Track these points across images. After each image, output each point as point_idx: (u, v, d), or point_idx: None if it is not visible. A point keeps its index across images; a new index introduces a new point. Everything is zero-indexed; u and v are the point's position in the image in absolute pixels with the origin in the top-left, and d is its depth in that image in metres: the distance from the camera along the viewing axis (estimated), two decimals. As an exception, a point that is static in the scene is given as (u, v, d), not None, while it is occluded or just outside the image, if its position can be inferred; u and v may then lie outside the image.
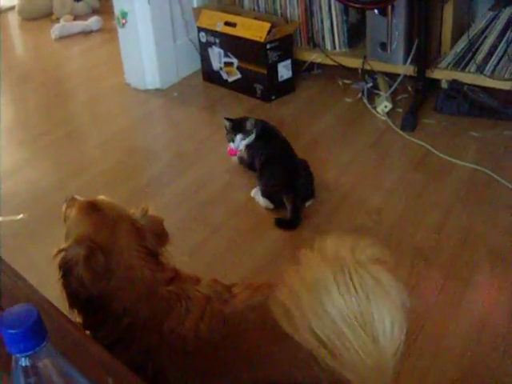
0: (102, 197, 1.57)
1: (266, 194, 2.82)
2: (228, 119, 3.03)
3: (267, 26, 3.58)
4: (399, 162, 3.20)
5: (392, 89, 3.51)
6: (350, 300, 1.12)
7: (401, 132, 3.28)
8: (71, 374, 0.79)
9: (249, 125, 2.97)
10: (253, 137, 2.97)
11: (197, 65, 4.06)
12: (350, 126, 3.42)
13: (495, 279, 2.40)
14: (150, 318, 1.41)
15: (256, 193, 2.86)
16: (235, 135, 2.97)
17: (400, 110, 3.48)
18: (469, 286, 2.36)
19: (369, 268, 1.15)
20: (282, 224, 2.68)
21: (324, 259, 1.17)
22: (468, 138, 3.30)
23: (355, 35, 3.84)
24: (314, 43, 3.90)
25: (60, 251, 1.43)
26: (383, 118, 3.42)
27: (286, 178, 2.78)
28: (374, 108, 3.49)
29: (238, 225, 2.70)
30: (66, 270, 1.41)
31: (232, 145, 3.01)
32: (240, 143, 2.98)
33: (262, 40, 3.56)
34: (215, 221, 2.76)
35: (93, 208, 1.50)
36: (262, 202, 2.82)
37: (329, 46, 3.88)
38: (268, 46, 3.58)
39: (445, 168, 3.04)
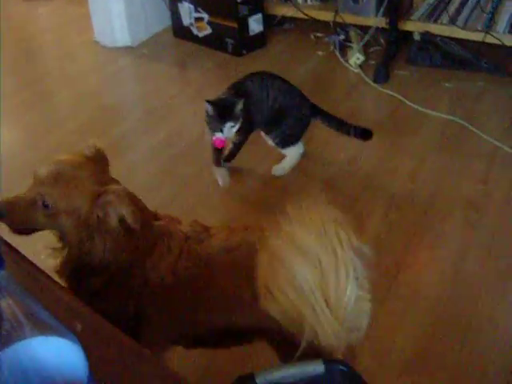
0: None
1: (295, 136, 2.65)
2: (210, 103, 2.47)
3: (238, -21, 3.51)
4: (372, 113, 3.19)
5: (364, 41, 3.48)
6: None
7: (373, 84, 3.27)
8: (31, 306, 0.77)
9: (238, 109, 2.49)
10: (240, 120, 2.51)
11: (167, 21, 4.00)
12: (322, 79, 3.39)
13: (468, 227, 2.41)
14: (136, 253, 1.41)
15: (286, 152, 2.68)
16: (223, 124, 2.48)
17: (372, 62, 3.46)
18: (443, 234, 2.37)
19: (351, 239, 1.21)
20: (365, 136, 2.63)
21: (312, 226, 1.20)
22: (441, 88, 3.30)
23: (327, -13, 3.79)
24: (285, -4, 3.83)
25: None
26: (356, 70, 3.40)
27: (306, 103, 2.66)
28: (347, 61, 3.48)
29: (210, 178, 2.67)
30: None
31: (220, 135, 2.52)
32: (230, 131, 2.53)
33: (233, -7, 3.50)
34: (186, 174, 2.73)
35: None
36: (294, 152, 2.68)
37: (300, -1, 3.81)
38: (238, 0, 3.51)
39: (418, 118, 3.04)
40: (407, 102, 3.12)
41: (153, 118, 3.18)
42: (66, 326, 0.80)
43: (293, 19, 3.87)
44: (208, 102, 2.46)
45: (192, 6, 3.71)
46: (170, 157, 2.83)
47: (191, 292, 1.43)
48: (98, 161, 1.44)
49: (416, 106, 3.09)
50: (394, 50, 3.52)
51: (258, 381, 1.31)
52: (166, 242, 1.43)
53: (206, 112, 2.48)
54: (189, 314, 1.45)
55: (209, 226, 1.53)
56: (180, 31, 3.88)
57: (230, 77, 3.33)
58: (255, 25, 3.64)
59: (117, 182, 1.43)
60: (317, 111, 2.59)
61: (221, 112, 2.46)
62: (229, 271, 1.42)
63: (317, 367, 1.33)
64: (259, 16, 3.64)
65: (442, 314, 2.06)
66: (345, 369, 1.34)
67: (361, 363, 1.81)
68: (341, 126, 2.58)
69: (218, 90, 3.16)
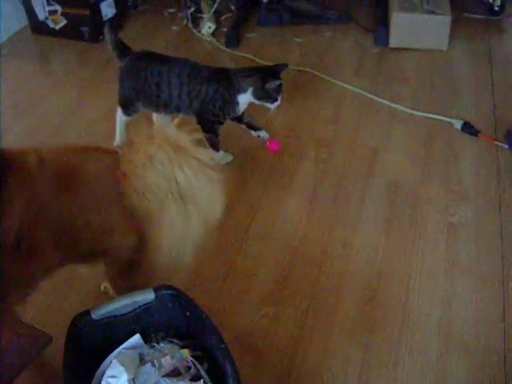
0: None
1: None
2: (271, 78, 2.41)
3: (81, -34, 3.55)
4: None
5: (213, 10, 3.58)
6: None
7: (225, 48, 3.39)
8: None
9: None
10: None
11: (25, 19, 3.99)
12: (178, 50, 3.47)
13: (321, 163, 2.55)
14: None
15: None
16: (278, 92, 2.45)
17: (225, 30, 3.56)
18: (297, 172, 2.54)
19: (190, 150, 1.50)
20: None
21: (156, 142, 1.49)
22: (291, 44, 3.44)
23: (173, -36, 3.87)
24: (135, -21, 3.90)
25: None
26: (208, 38, 3.51)
27: None
28: (199, 31, 3.56)
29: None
30: None
31: (276, 104, 2.47)
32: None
33: (79, -19, 3.54)
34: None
35: None
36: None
37: (150, -21, 3.89)
38: (86, -13, 3.56)
39: (270, 74, 3.14)
40: (258, 61, 3.24)
41: (15, 112, 3.20)
42: None
43: (146, 0, 3.92)
44: (270, 76, 2.41)
45: (44, 0, 3.73)
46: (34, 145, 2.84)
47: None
48: None
49: (267, 63, 3.21)
50: (243, 15, 3.64)
51: (93, 316, 1.40)
52: None
53: (270, 86, 2.41)
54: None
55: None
56: (37, 27, 3.89)
57: (89, 62, 3.41)
58: (108, 9, 3.69)
59: None
60: None
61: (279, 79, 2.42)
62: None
63: (147, 295, 1.43)
64: (110, 0, 3.68)
65: (298, 246, 2.21)
66: (173, 292, 1.44)
67: (224, 305, 1.96)
68: None
69: (80, 76, 3.24)
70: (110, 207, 1.49)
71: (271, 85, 2.37)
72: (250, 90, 2.39)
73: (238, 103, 2.43)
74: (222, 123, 2.48)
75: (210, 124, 2.45)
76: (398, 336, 1.87)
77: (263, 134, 2.63)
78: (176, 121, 1.57)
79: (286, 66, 2.46)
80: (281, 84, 2.41)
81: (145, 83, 2.44)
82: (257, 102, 2.44)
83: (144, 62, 2.47)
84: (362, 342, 1.86)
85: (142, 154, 1.49)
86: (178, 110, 2.47)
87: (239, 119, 2.55)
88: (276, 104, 2.44)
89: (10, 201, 1.40)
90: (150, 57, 2.51)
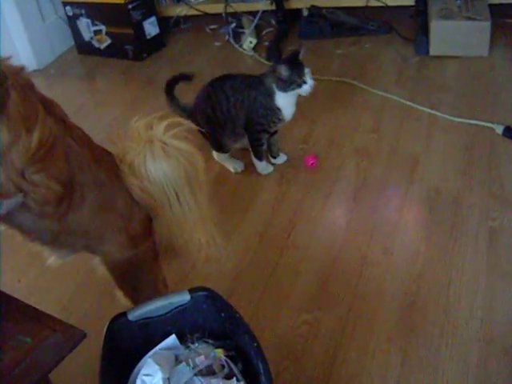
0: None
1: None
2: (281, 62, 2.44)
3: (125, -13, 3.65)
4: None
5: (253, 25, 3.64)
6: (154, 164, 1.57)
7: (267, 62, 3.42)
8: None
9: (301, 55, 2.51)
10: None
11: (70, 40, 4.11)
12: (221, 65, 3.53)
13: (361, 173, 2.55)
14: None
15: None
16: (304, 72, 2.45)
17: (266, 44, 3.60)
18: (337, 182, 2.54)
19: (167, 140, 1.58)
20: None
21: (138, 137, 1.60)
22: (332, 55, 3.47)
23: (214, -18, 3.94)
24: (177, -3, 3.98)
25: None
26: (250, 53, 3.56)
27: None
28: (241, 46, 3.61)
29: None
30: None
31: (306, 87, 2.45)
32: (311, 77, 2.48)
33: (123, 1, 3.63)
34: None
35: None
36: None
37: (192, -3, 3.96)
38: (130, 6, 3.65)
39: (311, 85, 3.17)
40: (299, 73, 3.25)
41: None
42: None
43: (188, 18, 4.00)
44: (278, 63, 2.45)
45: (89, 21, 3.83)
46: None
47: None
48: None
49: (308, 75, 3.24)
50: (284, 29, 3.68)
51: (130, 317, 1.43)
52: None
53: (280, 74, 2.42)
54: None
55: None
56: (83, 47, 4.00)
57: (133, 80, 3.49)
58: (151, 28, 3.77)
59: None
60: None
61: (294, 65, 2.44)
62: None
63: (183, 297, 1.45)
64: (153, 19, 3.77)
65: (338, 254, 2.21)
66: (208, 293, 1.47)
67: (264, 312, 1.98)
68: None
69: (124, 94, 3.31)
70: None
71: (280, 68, 2.38)
72: (274, 86, 2.41)
73: (277, 107, 2.45)
74: (269, 132, 2.50)
75: (256, 133, 2.48)
76: (437, 341, 1.85)
77: (279, 159, 2.66)
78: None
79: (297, 51, 2.48)
80: (300, 66, 2.42)
81: (205, 111, 2.54)
82: (289, 94, 2.44)
83: (201, 98, 2.58)
84: (402, 346, 1.85)
85: (130, 155, 1.60)
86: (233, 126, 2.52)
87: (271, 134, 2.57)
88: (306, 87, 2.43)
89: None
90: (207, 90, 2.58)
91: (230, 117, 2.50)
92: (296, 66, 2.41)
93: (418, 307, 1.96)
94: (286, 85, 2.40)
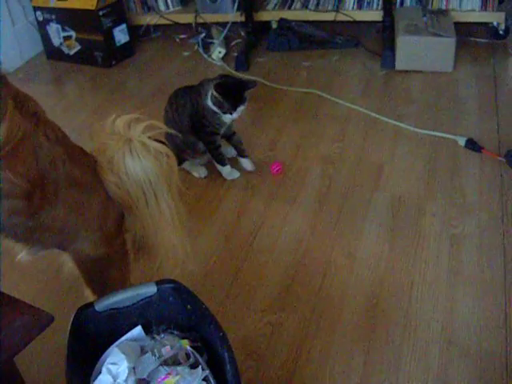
0: None
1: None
2: (218, 86, 2.42)
3: (96, -7, 3.66)
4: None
5: (222, 35, 3.68)
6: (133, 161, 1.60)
7: (235, 72, 3.45)
8: None
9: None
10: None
11: (40, 45, 4.10)
12: (189, 74, 3.56)
13: (326, 178, 2.59)
14: None
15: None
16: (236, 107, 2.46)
17: (235, 54, 3.64)
18: (302, 188, 2.58)
19: (145, 140, 1.62)
20: None
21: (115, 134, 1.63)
22: (299, 67, 3.51)
23: (186, -8, 3.98)
24: (147, 6, 4.00)
25: None
26: (219, 63, 3.60)
27: None
28: (210, 56, 3.65)
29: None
30: None
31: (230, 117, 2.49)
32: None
33: (94, 7, 3.64)
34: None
35: None
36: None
37: (162, 6, 4.00)
38: (100, 13, 3.66)
39: (278, 96, 3.23)
40: (267, 83, 3.32)
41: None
42: None
43: (158, 27, 4.03)
44: (218, 85, 2.42)
45: (59, 26, 3.83)
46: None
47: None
48: None
49: (276, 85, 3.29)
50: (253, 40, 3.72)
51: (97, 308, 1.44)
52: None
53: (214, 93, 2.43)
54: None
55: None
56: (52, 53, 3.99)
57: (101, 87, 3.49)
58: (121, 35, 3.78)
59: None
60: None
61: (231, 96, 2.44)
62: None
63: (149, 288, 1.46)
64: (123, 26, 3.78)
65: (302, 257, 2.24)
66: (175, 285, 1.48)
67: (229, 312, 2.00)
68: None
69: (92, 100, 3.32)
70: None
71: (217, 91, 2.40)
72: (209, 93, 2.43)
73: (213, 110, 2.46)
74: (218, 134, 2.53)
75: (206, 136, 2.51)
76: (399, 342, 1.88)
77: (246, 163, 2.67)
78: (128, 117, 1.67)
79: (254, 84, 2.47)
80: (237, 99, 2.42)
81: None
82: (215, 108, 2.44)
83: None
84: (364, 347, 1.87)
85: (108, 151, 1.63)
86: (183, 135, 2.53)
87: (229, 137, 2.60)
88: (228, 117, 2.46)
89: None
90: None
91: (175, 124, 2.52)
92: (233, 97, 2.42)
93: (380, 309, 1.99)
94: (216, 103, 2.43)
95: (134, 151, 1.59)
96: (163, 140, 1.71)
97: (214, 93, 2.40)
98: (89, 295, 1.76)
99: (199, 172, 2.65)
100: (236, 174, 2.62)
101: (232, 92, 2.41)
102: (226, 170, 2.60)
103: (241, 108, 2.44)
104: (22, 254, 1.65)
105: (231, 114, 2.44)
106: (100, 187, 1.59)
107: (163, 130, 1.70)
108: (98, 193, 1.59)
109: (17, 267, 2.08)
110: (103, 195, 1.59)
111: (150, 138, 1.62)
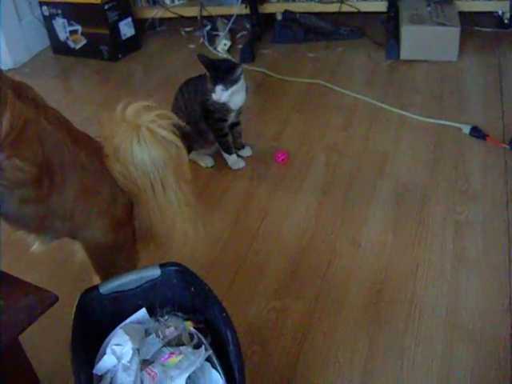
0: None
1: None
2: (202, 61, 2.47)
3: (101, -13, 3.67)
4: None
5: (228, 27, 3.69)
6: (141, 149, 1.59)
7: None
8: None
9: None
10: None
11: (46, 40, 4.13)
12: (194, 67, 3.51)
13: (331, 167, 2.60)
14: None
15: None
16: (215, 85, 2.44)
17: (240, 46, 3.65)
18: (307, 176, 2.59)
19: (154, 128, 1.60)
20: None
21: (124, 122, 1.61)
22: (304, 59, 3.52)
23: (191, -15, 4.00)
24: (153, 0, 4.01)
25: None
26: (224, 55, 3.60)
27: None
28: (215, 48, 3.66)
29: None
30: None
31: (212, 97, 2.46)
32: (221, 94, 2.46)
33: (99, 1, 3.66)
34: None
35: None
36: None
37: (167, 0, 4.00)
38: (106, 7, 3.68)
39: (283, 86, 3.25)
40: (272, 75, 3.33)
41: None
42: None
43: (164, 20, 4.04)
44: (210, 64, 2.45)
45: (65, 21, 3.85)
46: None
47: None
48: None
49: (281, 76, 3.30)
50: (258, 32, 3.74)
51: (101, 290, 1.45)
52: None
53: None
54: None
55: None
56: (58, 47, 4.02)
57: (108, 80, 3.51)
58: (127, 29, 3.80)
59: None
60: None
61: (215, 74, 2.44)
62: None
63: (153, 271, 1.48)
64: (129, 20, 3.80)
65: (307, 244, 2.25)
66: (179, 268, 1.49)
67: (234, 299, 2.02)
68: None
69: (98, 93, 3.34)
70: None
71: (207, 69, 2.44)
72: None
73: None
74: (226, 120, 2.54)
75: (214, 123, 2.53)
76: (403, 327, 1.89)
77: (243, 152, 2.71)
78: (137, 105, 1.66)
79: (234, 65, 2.46)
80: (218, 78, 2.42)
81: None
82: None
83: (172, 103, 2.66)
84: (369, 332, 1.88)
85: (116, 139, 1.62)
86: (195, 125, 2.57)
87: (231, 126, 2.62)
88: (213, 96, 2.45)
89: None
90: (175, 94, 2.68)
91: (187, 113, 2.55)
92: (215, 76, 2.43)
93: (384, 295, 1.99)
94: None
95: (142, 139, 1.58)
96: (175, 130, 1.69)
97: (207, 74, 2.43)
98: (97, 282, 1.77)
99: (206, 162, 2.66)
100: (242, 164, 2.63)
101: (213, 67, 2.44)
102: (233, 159, 2.61)
103: (219, 87, 2.41)
104: (36, 245, 1.67)
105: (214, 92, 2.42)
106: (107, 173, 1.59)
107: (173, 120, 1.66)
108: (106, 178, 1.59)
109: (23, 257, 2.10)
110: (111, 181, 1.60)
111: (161, 125, 1.61)
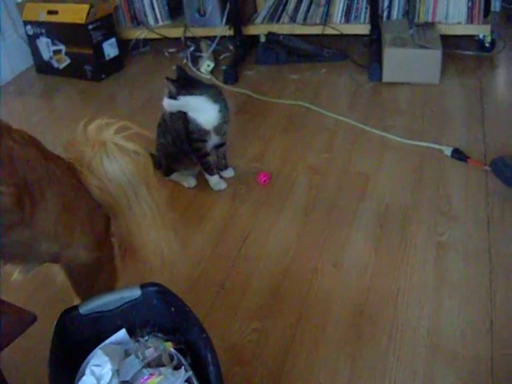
0: None
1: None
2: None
3: (86, 7, 3.68)
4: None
5: (211, 49, 3.71)
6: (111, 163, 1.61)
7: (223, 85, 3.47)
8: None
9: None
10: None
11: (30, 59, 4.12)
12: (177, 88, 3.56)
13: (313, 189, 2.60)
14: None
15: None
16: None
17: (224, 67, 3.66)
18: (289, 198, 2.60)
19: (119, 142, 1.64)
20: None
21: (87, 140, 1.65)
22: (287, 80, 3.54)
23: (175, 7, 4.01)
24: (137, 21, 4.03)
25: None
26: (207, 76, 3.62)
27: None
28: (198, 69, 3.67)
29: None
30: None
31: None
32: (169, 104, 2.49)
33: (83, 21, 3.66)
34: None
35: None
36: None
37: (152, 21, 4.03)
38: (90, 27, 3.68)
39: (266, 108, 3.26)
40: (255, 96, 3.34)
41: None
42: None
43: (148, 41, 4.05)
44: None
45: (49, 40, 3.85)
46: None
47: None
48: None
49: (264, 98, 3.32)
50: (241, 54, 3.76)
51: (81, 311, 1.44)
52: None
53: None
54: None
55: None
56: (42, 67, 4.01)
57: (91, 100, 3.51)
58: (110, 49, 3.80)
59: None
60: None
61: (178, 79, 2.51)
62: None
63: (133, 292, 1.47)
64: (113, 40, 3.81)
65: (289, 265, 2.24)
66: (159, 289, 1.48)
67: (215, 319, 2.01)
68: None
69: (81, 113, 3.33)
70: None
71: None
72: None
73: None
74: (204, 141, 2.54)
75: (192, 142, 2.54)
76: (385, 347, 1.88)
77: (225, 173, 2.71)
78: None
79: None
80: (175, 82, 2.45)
81: (159, 136, 2.69)
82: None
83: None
84: (350, 353, 1.88)
85: (87, 156, 1.64)
86: (181, 143, 2.59)
87: (216, 147, 2.62)
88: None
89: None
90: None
91: (173, 132, 2.58)
92: (172, 81, 2.45)
93: (366, 316, 1.99)
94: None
95: (110, 153, 1.61)
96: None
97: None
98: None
99: (188, 182, 2.65)
100: (223, 185, 2.63)
101: (180, 76, 2.50)
102: (214, 180, 2.61)
103: (167, 92, 2.43)
104: (15, 275, 1.66)
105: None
106: (83, 187, 1.59)
107: (134, 130, 1.69)
108: (82, 192, 1.59)
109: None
110: (87, 195, 1.60)
111: (124, 137, 1.64)
